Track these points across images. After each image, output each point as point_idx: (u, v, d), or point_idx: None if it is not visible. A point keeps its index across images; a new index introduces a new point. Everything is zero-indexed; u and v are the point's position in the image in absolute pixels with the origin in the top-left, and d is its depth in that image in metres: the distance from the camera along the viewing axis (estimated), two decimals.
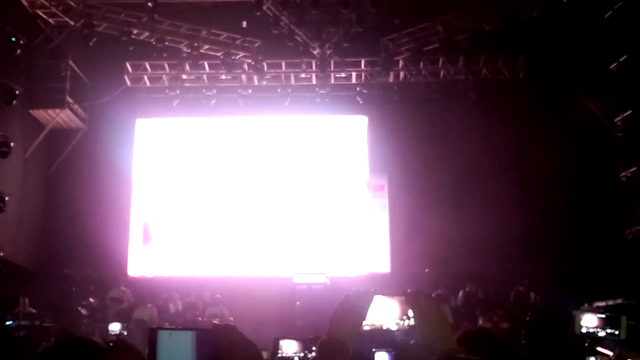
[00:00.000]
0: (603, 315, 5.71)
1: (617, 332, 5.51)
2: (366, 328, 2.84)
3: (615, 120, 14.00)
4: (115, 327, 12.25)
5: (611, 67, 13.62)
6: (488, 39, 14.46)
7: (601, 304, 12.03)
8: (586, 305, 12.10)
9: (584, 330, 5.61)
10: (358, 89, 15.93)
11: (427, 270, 14.06)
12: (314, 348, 7.03)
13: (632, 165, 13.53)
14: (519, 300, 13.32)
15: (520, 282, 13.92)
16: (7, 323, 11.34)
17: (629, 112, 13.52)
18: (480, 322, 12.23)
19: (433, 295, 12.27)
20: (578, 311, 5.59)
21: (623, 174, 13.70)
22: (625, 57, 13.30)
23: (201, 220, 15.50)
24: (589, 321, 5.71)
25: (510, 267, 14.66)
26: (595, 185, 14.59)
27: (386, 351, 3.74)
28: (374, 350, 3.99)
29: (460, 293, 13.28)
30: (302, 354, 6.55)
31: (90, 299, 13.21)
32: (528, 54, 15.29)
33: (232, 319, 12.85)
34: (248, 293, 13.94)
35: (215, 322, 2.56)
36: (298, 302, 13.15)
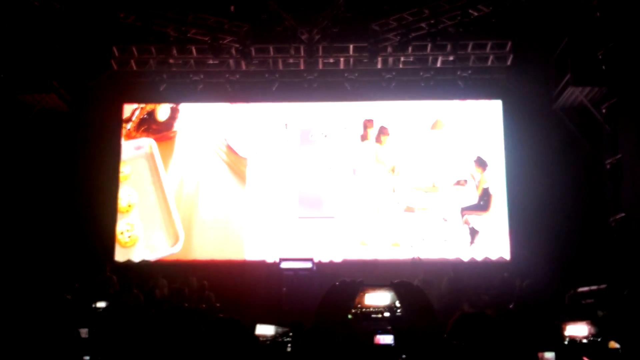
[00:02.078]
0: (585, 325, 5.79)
1: (599, 340, 5.61)
2: (352, 317, 2.85)
3: (601, 108, 14.08)
4: (101, 305, 12.24)
5: (598, 54, 13.67)
6: (476, 25, 14.46)
7: (585, 289, 12.18)
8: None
9: (567, 340, 5.70)
10: (346, 74, 15.91)
11: (416, 257, 14.15)
12: (290, 334, 7.12)
13: (617, 153, 13.63)
14: (503, 287, 13.43)
15: (505, 268, 14.07)
16: None
17: (615, 99, 13.59)
18: (464, 308, 12.30)
19: (415, 282, 12.41)
20: (560, 322, 5.67)
21: (608, 161, 13.79)
22: (612, 44, 13.36)
23: (191, 205, 15.46)
24: (573, 331, 5.82)
25: (495, 255, 14.81)
26: (580, 172, 14.70)
27: (387, 333, 3.79)
28: (378, 331, 4.03)
29: (445, 279, 13.36)
30: (279, 339, 6.62)
31: (75, 285, 13.16)
32: (516, 41, 15.31)
33: (218, 304, 12.88)
34: (234, 279, 13.99)
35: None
36: (284, 288, 13.20)
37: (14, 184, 14.52)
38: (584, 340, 5.97)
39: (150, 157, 15.57)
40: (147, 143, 15.65)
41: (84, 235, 14.55)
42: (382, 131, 15.65)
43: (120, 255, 15.04)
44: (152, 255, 15.07)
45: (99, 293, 13.00)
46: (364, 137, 15.68)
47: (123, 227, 15.05)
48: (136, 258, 15.05)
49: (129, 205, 15.18)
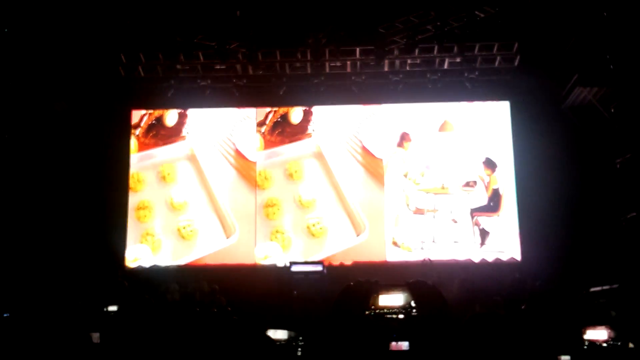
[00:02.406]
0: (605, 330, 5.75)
1: (619, 343, 5.58)
2: (368, 315, 2.83)
3: (610, 107, 14.03)
4: (113, 308, 12.29)
5: (605, 54, 13.62)
6: (482, 26, 14.44)
7: (597, 289, 12.13)
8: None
9: (587, 344, 5.67)
10: (353, 77, 15.91)
11: (427, 259, 14.12)
12: (300, 337, 7.14)
13: (626, 152, 13.57)
14: (515, 287, 13.36)
15: (517, 269, 14.01)
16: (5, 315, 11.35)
17: (623, 98, 13.54)
18: (476, 309, 12.25)
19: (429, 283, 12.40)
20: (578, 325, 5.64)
21: (618, 160, 13.73)
22: (620, 44, 13.31)
23: (199, 210, 15.49)
24: (593, 335, 5.78)
25: (505, 256, 14.76)
26: (590, 172, 14.63)
27: (403, 339, 3.76)
28: (394, 335, 4.02)
29: (456, 281, 13.31)
30: (291, 343, 6.64)
31: (86, 290, 13.18)
32: (523, 41, 15.26)
33: (229, 309, 12.87)
34: (245, 283, 13.99)
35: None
36: (295, 292, 13.19)
37: (23, 190, 14.58)
38: (604, 345, 5.95)
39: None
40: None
41: (95, 240, 14.58)
42: (404, 137, 15.63)
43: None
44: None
45: (110, 298, 13.03)
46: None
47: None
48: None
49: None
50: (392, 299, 2.80)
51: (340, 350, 2.90)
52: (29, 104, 14.79)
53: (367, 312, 2.87)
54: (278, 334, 7.32)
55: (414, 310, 2.78)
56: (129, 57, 15.69)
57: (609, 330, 5.99)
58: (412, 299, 2.84)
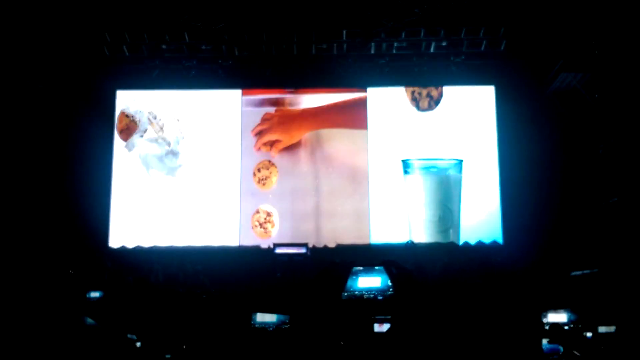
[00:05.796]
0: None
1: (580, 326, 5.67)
2: (346, 297, 2.85)
3: (595, 93, 14.09)
4: (95, 295, 12.26)
5: (591, 39, 13.66)
6: (469, 10, 14.42)
7: (577, 273, 12.27)
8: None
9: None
10: (339, 60, 15.84)
11: (410, 241, 14.20)
12: (287, 320, 7.18)
13: (609, 138, 13.66)
14: (498, 271, 13.47)
15: (499, 253, 14.14)
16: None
17: (608, 85, 13.61)
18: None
19: (408, 266, 12.44)
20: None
21: (601, 146, 13.82)
22: (605, 30, 13.34)
23: (182, 190, 15.46)
24: (555, 318, 5.89)
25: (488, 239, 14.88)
26: (574, 157, 14.74)
27: (385, 321, 3.79)
28: (376, 317, 4.05)
29: (439, 265, 13.40)
30: (276, 325, 6.68)
31: (70, 271, 13.15)
32: (509, 26, 15.24)
33: (213, 290, 12.89)
34: (228, 264, 14.02)
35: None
36: (279, 274, 13.24)
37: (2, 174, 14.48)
38: (566, 327, 6.08)
39: None
40: None
41: (77, 220, 14.53)
42: None
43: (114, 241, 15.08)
44: None
45: (92, 281, 13.00)
46: None
47: None
48: (131, 243, 15.10)
49: None
50: (369, 281, 2.82)
51: (323, 333, 2.92)
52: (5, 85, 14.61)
53: (345, 293, 2.89)
54: (266, 317, 7.37)
55: (391, 289, 2.81)
56: (113, 36, 15.50)
57: (570, 314, 6.13)
58: (388, 278, 2.87)
